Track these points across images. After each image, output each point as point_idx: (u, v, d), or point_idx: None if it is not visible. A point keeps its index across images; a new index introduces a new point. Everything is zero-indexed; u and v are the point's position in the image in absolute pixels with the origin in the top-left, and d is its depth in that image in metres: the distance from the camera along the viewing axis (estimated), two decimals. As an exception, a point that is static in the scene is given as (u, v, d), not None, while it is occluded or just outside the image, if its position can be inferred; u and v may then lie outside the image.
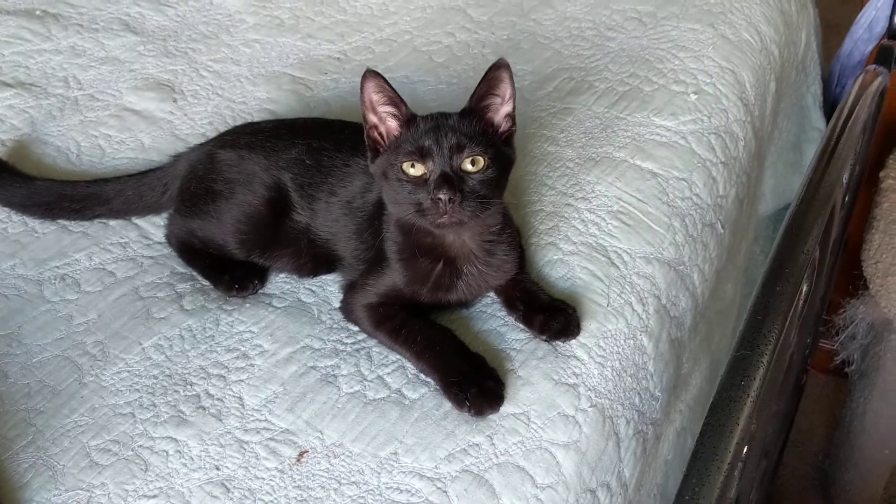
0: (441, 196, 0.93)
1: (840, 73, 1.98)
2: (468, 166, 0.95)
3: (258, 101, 1.50)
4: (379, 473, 0.91)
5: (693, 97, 1.37)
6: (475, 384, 0.95)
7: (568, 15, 1.61)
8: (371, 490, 0.90)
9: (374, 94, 0.99)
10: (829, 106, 1.97)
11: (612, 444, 0.98)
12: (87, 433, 0.98)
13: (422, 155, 0.95)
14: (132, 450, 0.96)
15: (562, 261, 1.12)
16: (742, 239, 1.47)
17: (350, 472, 0.91)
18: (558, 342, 1.02)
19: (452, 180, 0.94)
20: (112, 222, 1.27)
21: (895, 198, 1.66)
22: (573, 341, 1.02)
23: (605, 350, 1.03)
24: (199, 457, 0.94)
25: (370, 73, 0.98)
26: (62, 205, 1.27)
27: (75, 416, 1.00)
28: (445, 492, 0.89)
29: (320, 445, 0.94)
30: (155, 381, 1.03)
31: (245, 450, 0.95)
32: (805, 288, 1.10)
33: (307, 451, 0.93)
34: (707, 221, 1.25)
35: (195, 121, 1.46)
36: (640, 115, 1.34)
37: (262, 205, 1.13)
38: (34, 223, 1.27)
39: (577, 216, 1.18)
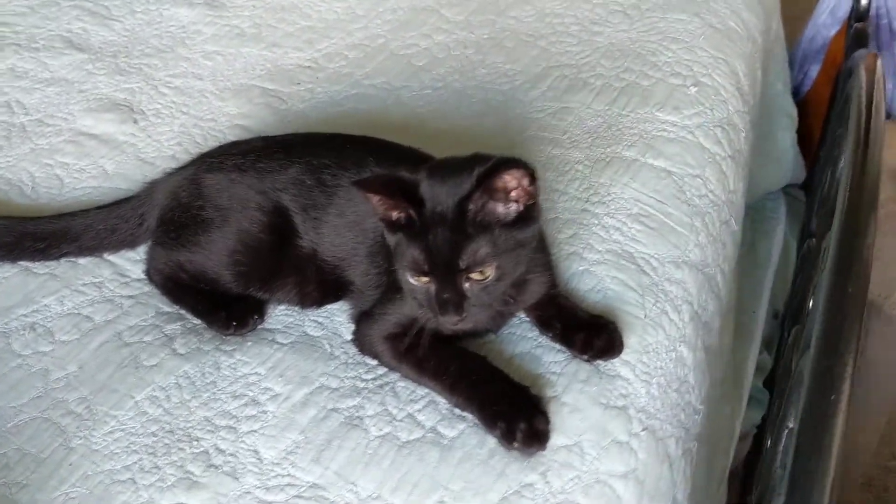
0: (446, 319, 0.85)
1: (802, 59, 1.96)
2: (476, 276, 0.85)
3: (228, 117, 1.39)
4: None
5: (693, 90, 1.31)
6: (524, 418, 0.86)
7: (548, 11, 1.54)
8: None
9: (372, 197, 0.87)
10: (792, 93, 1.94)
11: (666, 469, 0.91)
12: (76, 509, 0.86)
13: (421, 272, 0.85)
14: (139, 520, 0.85)
15: (588, 271, 1.04)
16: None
17: (396, 527, 0.82)
18: (601, 361, 0.94)
19: (457, 301, 0.84)
20: (82, 260, 1.14)
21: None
22: (616, 359, 0.94)
23: (648, 366, 0.95)
24: (218, 524, 0.84)
25: (359, 186, 0.87)
26: (24, 244, 1.15)
27: (65, 488, 0.89)
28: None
29: (356, 499, 0.84)
30: (155, 438, 0.92)
31: (274, 513, 0.84)
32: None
33: (343, 507, 0.84)
34: (723, 219, 1.19)
35: (161, 142, 1.35)
36: (642, 111, 1.28)
37: (261, 231, 1.03)
38: (-8, 268, 1.14)
39: (596, 222, 1.11)
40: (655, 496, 0.88)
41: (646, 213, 1.11)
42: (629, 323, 0.98)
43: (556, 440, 0.87)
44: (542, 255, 0.95)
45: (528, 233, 0.87)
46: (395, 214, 0.87)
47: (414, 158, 1.01)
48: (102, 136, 1.36)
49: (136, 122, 1.39)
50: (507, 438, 0.86)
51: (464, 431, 0.89)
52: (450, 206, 0.84)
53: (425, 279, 0.85)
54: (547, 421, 0.87)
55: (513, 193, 0.85)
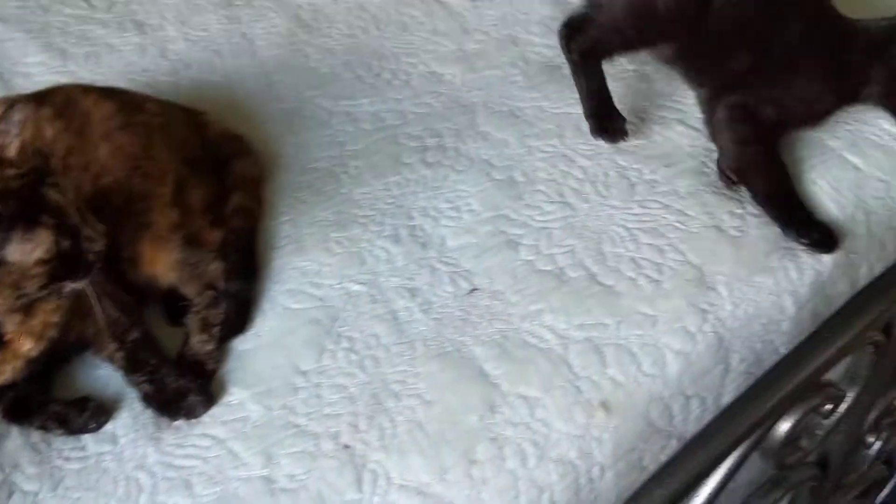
0: None
1: None
2: None
3: (539, 16, 1.68)
4: (523, 320, 1.15)
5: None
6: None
7: None
8: (514, 329, 1.14)
9: None
10: None
11: (719, 370, 1.15)
12: (330, 227, 1.29)
13: None
14: (358, 248, 1.26)
15: (742, 216, 1.27)
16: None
17: (503, 313, 1.16)
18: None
19: None
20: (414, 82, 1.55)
21: None
22: (720, 276, 1.18)
23: (744, 295, 1.18)
24: (401, 268, 1.23)
25: None
26: None
27: (326, 213, 1.32)
28: (567, 348, 1.11)
29: (488, 288, 1.19)
30: (388, 206, 1.32)
31: (434, 273, 1.22)
32: None
33: (478, 289, 1.19)
34: (894, 226, 1.33)
35: (483, 19, 1.70)
36: (872, 114, 1.41)
37: None
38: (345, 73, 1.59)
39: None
40: (698, 381, 1.13)
41: (814, 194, 1.30)
42: (745, 259, 1.21)
43: (640, 307, 1.15)
44: None
45: None
46: None
47: None
48: (446, 3, 1.72)
49: (472, 0, 1.77)
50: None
51: (581, 276, 1.19)
52: None
53: None
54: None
55: None
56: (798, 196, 1.27)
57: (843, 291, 1.28)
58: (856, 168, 1.34)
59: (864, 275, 1.30)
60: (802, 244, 1.21)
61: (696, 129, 1.42)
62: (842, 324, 1.08)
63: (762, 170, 1.29)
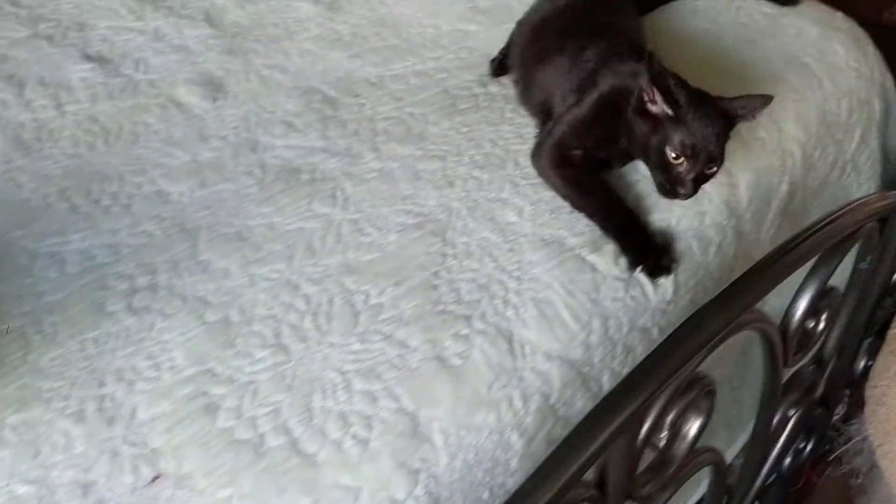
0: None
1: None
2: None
3: (284, 113, 1.59)
4: (208, 513, 1.01)
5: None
6: (653, 256, 1.26)
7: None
8: (193, 529, 0.99)
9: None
10: None
11: (440, 534, 1.03)
12: (9, 409, 1.13)
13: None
14: (35, 434, 1.10)
15: (467, 338, 1.16)
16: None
17: (184, 506, 1.02)
18: None
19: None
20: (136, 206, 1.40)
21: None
22: (436, 422, 1.06)
23: (462, 440, 1.06)
24: (79, 455, 1.07)
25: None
26: None
27: (7, 390, 1.16)
28: (251, 549, 0.97)
29: (174, 474, 1.04)
30: (79, 373, 1.16)
31: (115, 461, 1.06)
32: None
33: (161, 476, 1.04)
34: (640, 325, 1.23)
35: (223, 123, 1.58)
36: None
37: None
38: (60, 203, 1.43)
39: (502, 295, 1.21)
40: (413, 554, 1.00)
41: (548, 301, 1.19)
42: (467, 396, 1.09)
43: (341, 479, 1.02)
44: None
45: None
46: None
47: None
48: (185, 105, 1.62)
49: (214, 100, 1.64)
50: (633, 265, 1.23)
51: (282, 444, 1.05)
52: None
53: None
54: (671, 260, 1.25)
55: None
56: (635, 220, 1.30)
57: (584, 409, 1.17)
58: (593, 269, 1.24)
59: (608, 383, 1.20)
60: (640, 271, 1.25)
61: (434, 234, 1.32)
62: (543, 479, 0.97)
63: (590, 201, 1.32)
